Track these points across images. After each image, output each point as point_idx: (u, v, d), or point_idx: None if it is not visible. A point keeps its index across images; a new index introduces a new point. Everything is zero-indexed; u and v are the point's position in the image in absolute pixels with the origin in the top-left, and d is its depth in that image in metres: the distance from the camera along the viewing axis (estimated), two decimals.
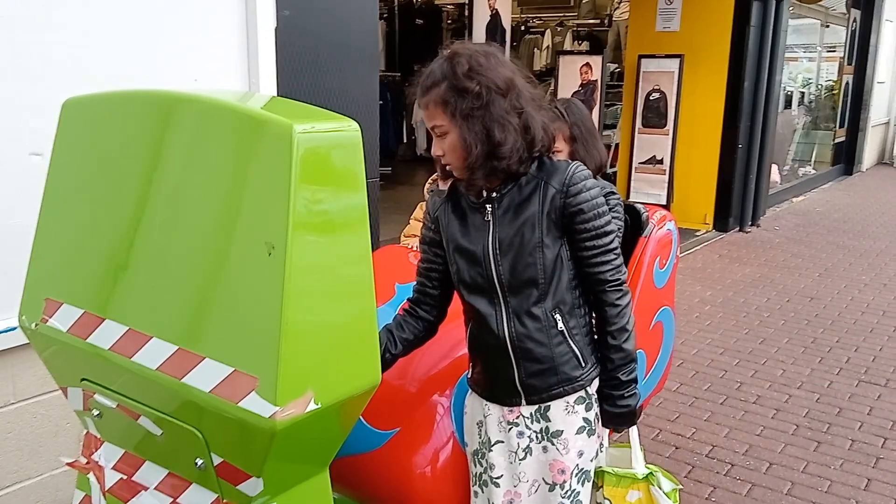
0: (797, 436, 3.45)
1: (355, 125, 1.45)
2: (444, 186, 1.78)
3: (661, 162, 7.49)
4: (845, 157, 11.78)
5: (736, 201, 7.49)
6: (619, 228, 2.20)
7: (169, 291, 1.49)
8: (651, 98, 7.59)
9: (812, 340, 4.62)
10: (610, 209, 1.83)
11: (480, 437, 1.79)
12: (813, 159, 11.22)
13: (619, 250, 1.70)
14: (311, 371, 1.37)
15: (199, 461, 1.46)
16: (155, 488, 1.60)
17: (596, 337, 1.75)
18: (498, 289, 1.69)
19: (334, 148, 1.40)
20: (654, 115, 7.53)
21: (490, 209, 1.67)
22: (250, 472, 1.40)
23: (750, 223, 7.65)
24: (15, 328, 2.31)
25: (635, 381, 1.72)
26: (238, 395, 1.34)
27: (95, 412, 1.69)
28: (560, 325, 1.68)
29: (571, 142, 2.37)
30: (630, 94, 7.67)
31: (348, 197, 1.43)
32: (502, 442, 1.75)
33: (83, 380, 1.68)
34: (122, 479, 1.67)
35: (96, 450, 1.75)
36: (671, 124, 7.40)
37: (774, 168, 8.92)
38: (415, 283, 1.84)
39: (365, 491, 1.94)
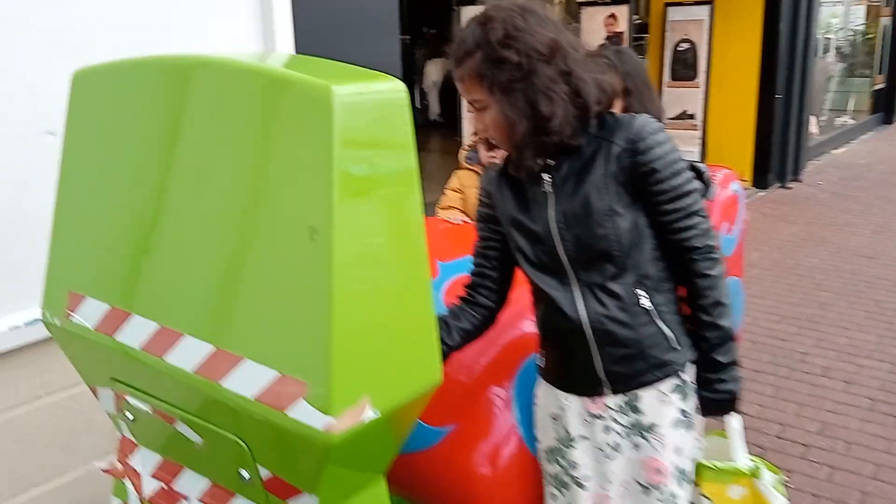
0: (874, 411, 3.22)
1: (401, 84, 1.26)
2: (485, 153, 1.60)
3: (692, 117, 7.19)
4: (885, 105, 11.32)
5: (775, 156, 7.19)
6: None
7: (199, 282, 1.33)
8: (679, 49, 7.27)
9: (875, 304, 4.37)
10: None
11: (557, 433, 1.62)
12: (850, 108, 10.80)
13: (704, 211, 1.50)
14: (367, 373, 1.21)
15: (245, 473, 1.32)
16: (197, 499, 1.46)
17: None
18: (568, 266, 1.51)
19: (380, 111, 1.22)
20: (683, 67, 7.22)
21: (548, 179, 1.50)
22: (302, 487, 1.25)
23: (791, 178, 7.36)
24: (40, 320, 2.19)
25: (736, 362, 1.54)
26: (285, 403, 1.19)
27: (129, 415, 1.55)
28: (645, 302, 1.49)
29: (625, 95, 2.16)
30: (656, 45, 7.35)
31: (397, 167, 1.25)
32: (586, 437, 1.57)
33: (113, 379, 1.54)
34: (161, 487, 1.54)
35: (132, 454, 1.62)
36: (702, 76, 7.09)
37: (812, 119, 8.57)
38: (471, 263, 1.67)
39: (420, 492, 1.79)
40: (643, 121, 1.46)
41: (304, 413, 1.17)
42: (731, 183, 2.38)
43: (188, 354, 1.32)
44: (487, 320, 1.64)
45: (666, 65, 7.19)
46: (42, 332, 2.17)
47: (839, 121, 10.34)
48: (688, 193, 1.46)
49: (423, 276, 1.30)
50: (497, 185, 1.59)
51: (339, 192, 1.14)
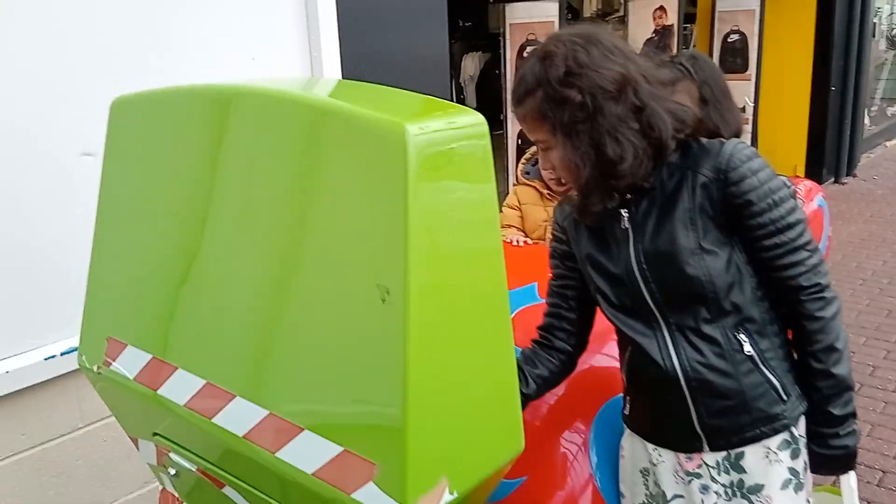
0: None
1: (480, 117, 1.10)
2: (545, 167, 1.43)
3: (742, 110, 6.90)
4: None
5: (829, 150, 6.88)
6: None
7: (251, 338, 1.19)
8: (729, 40, 6.98)
9: None
10: None
11: (648, 489, 1.46)
12: None
13: (813, 244, 1.33)
14: (445, 450, 1.06)
15: None
16: None
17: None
18: (655, 309, 1.36)
19: (458, 150, 1.06)
20: (733, 58, 6.92)
21: (626, 215, 1.36)
22: None
23: (846, 173, 7.05)
24: (76, 349, 2.09)
25: (853, 414, 1.36)
26: (350, 485, 1.04)
27: (172, 471, 1.42)
28: (748, 347, 1.33)
29: (701, 104, 1.98)
30: (705, 37, 7.06)
31: (478, 214, 1.09)
32: (682, 497, 1.42)
33: (156, 434, 1.41)
34: None
35: None
36: (753, 68, 6.79)
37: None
38: (547, 304, 1.51)
39: None
40: (733, 147, 1.30)
41: (372, 498, 1.02)
42: (815, 196, 2.19)
43: (238, 418, 1.18)
44: (566, 366, 1.49)
45: (715, 57, 6.91)
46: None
47: (891, 110, 9.91)
48: (791, 226, 1.29)
49: (505, 331, 1.14)
50: (572, 221, 1.44)
51: (414, 247, 0.98)
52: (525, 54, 5.05)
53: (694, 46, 7.24)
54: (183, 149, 1.32)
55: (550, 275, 1.53)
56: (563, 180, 1.36)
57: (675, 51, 6.34)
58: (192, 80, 2.19)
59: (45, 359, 2.02)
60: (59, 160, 2.03)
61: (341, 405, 1.07)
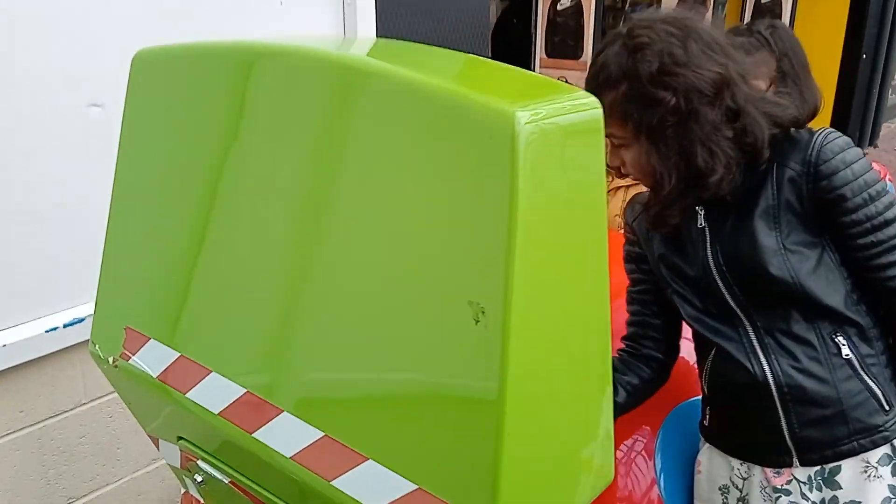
0: None
1: (593, 99, 0.92)
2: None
3: None
4: None
5: (854, 120, 6.66)
6: None
7: (307, 346, 1.02)
8: (763, 2, 6.70)
9: None
10: None
11: None
12: None
13: None
14: (537, 490, 0.90)
15: None
16: None
17: None
18: (739, 311, 1.23)
19: (572, 140, 0.88)
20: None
21: (703, 212, 1.24)
22: None
23: (868, 143, 6.85)
24: (82, 319, 1.91)
25: None
26: None
27: (198, 478, 1.26)
28: (846, 351, 1.21)
29: (780, 79, 1.80)
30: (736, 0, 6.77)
31: (588, 220, 0.92)
32: None
33: (181, 439, 1.25)
34: None
35: None
36: None
37: None
38: (628, 312, 1.35)
39: None
40: (823, 138, 1.18)
41: None
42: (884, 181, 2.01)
43: (286, 436, 1.01)
44: (659, 374, 1.36)
45: (746, 17, 6.63)
46: (83, 333, 1.91)
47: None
48: (889, 222, 1.17)
49: (604, 357, 0.97)
50: (642, 220, 1.29)
51: (520, 262, 0.80)
52: (559, 6, 4.78)
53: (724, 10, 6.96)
54: (215, 112, 1.13)
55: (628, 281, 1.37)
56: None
57: (710, 9, 6.07)
58: (213, 24, 2.02)
59: (47, 331, 1.84)
60: (65, 114, 1.81)
61: (416, 436, 0.91)
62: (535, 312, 0.84)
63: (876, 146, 7.02)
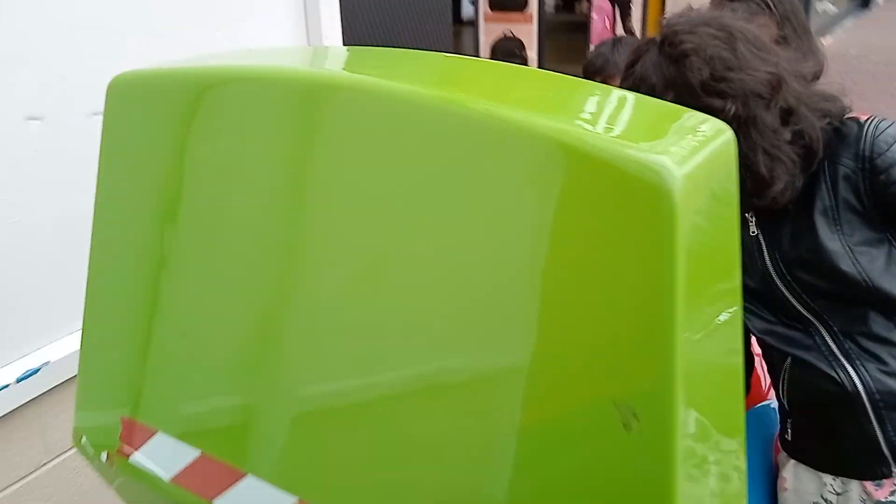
0: None
1: (725, 127, 0.75)
2: None
3: None
4: None
5: None
6: None
7: (379, 445, 0.83)
8: None
9: None
10: None
11: None
12: None
13: None
14: None
15: None
16: None
17: None
18: (811, 318, 1.17)
19: (711, 182, 0.72)
20: None
21: (754, 219, 1.18)
22: None
23: None
24: (38, 370, 1.65)
25: None
26: None
27: None
28: None
29: (780, 44, 1.71)
30: None
31: (726, 284, 0.75)
32: None
33: None
34: None
35: None
36: None
37: None
38: None
39: None
40: (874, 128, 1.12)
41: None
42: None
43: None
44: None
45: None
46: (40, 385, 1.66)
47: (819, 6, 9.68)
48: None
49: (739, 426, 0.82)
50: None
51: (683, 352, 0.64)
52: None
53: None
54: (227, 146, 0.90)
55: None
56: None
57: None
58: (175, 35, 1.76)
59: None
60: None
61: None
62: (693, 414, 0.67)
63: None
